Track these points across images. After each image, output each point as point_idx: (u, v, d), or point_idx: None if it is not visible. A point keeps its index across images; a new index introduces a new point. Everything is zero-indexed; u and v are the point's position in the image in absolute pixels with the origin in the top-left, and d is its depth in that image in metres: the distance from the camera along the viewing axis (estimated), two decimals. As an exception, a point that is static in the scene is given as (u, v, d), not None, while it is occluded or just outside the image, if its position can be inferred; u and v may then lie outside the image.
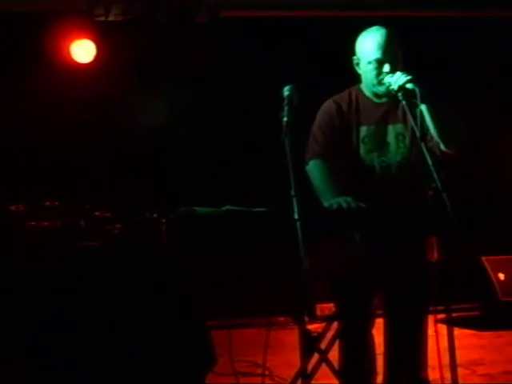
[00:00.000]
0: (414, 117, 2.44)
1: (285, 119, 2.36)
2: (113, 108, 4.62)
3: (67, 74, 4.57)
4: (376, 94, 2.74)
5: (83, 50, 4.54)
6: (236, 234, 2.37)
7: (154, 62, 4.71)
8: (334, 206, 2.47)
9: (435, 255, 2.79)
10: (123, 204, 3.01)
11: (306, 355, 2.56)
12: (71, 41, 4.53)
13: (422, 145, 2.32)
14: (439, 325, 4.83)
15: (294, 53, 4.78)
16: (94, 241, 2.68)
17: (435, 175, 2.22)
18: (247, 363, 3.74)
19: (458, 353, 4.06)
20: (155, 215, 2.77)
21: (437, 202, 2.29)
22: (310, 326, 2.59)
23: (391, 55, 2.63)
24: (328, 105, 2.81)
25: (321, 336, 2.67)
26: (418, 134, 2.38)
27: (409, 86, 2.47)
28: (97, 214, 2.73)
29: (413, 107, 2.49)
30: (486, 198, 4.91)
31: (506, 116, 5.22)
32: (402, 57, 2.69)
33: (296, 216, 2.11)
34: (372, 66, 2.66)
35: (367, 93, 2.77)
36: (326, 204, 2.57)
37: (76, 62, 4.58)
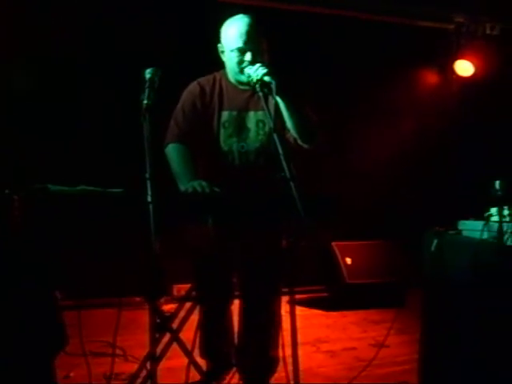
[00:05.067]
0: (269, 108, 2.53)
1: (145, 102, 2.35)
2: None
3: None
4: (239, 81, 2.77)
5: None
6: (90, 214, 2.35)
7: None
8: (189, 190, 2.50)
9: (285, 241, 2.94)
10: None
11: (156, 335, 2.63)
12: None
13: (274, 135, 2.39)
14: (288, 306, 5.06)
15: (161, 34, 4.76)
16: None
17: (284, 164, 2.31)
18: (102, 343, 3.74)
19: (305, 331, 4.35)
20: (7, 191, 2.67)
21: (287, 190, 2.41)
22: (165, 307, 2.66)
23: (253, 44, 2.66)
24: (192, 86, 2.81)
25: (173, 316, 2.74)
26: (271, 124, 2.47)
27: (266, 78, 2.52)
28: None
29: (269, 99, 2.58)
30: (334, 187, 5.25)
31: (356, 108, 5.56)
32: (266, 47, 2.73)
33: (149, 199, 2.13)
34: (234, 54, 2.69)
35: (231, 79, 2.80)
36: (182, 188, 2.60)
37: None
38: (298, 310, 4.88)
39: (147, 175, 2.17)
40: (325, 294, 5.21)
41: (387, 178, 5.60)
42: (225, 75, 2.82)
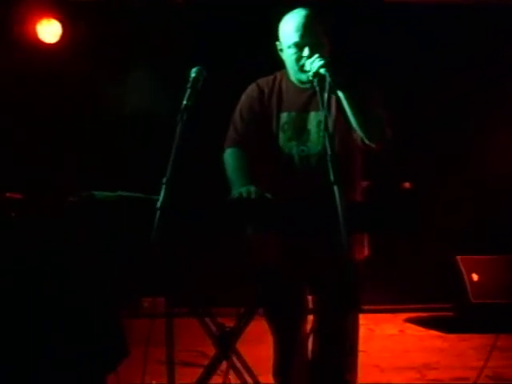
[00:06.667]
0: (329, 105, 2.31)
1: (184, 102, 2.24)
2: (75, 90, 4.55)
3: (33, 54, 4.51)
4: (300, 81, 2.58)
5: (49, 30, 4.47)
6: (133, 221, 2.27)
7: (124, 44, 4.61)
8: (235, 196, 2.34)
9: (364, 252, 2.66)
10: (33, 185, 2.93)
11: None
12: (38, 20, 4.46)
13: (325, 133, 2.15)
14: (406, 324, 4.63)
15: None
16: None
17: (330, 166, 2.07)
18: (195, 353, 3.69)
19: (414, 355, 3.95)
20: (71, 199, 2.67)
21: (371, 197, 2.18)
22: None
23: (311, 38, 2.45)
24: (250, 89, 2.67)
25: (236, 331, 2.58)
26: (322, 122, 2.23)
27: (321, 71, 2.31)
28: (8, 195, 2.65)
29: (330, 94, 2.35)
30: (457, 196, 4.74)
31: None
32: (327, 40, 2.52)
33: (158, 205, 2.00)
34: (292, 51, 2.50)
35: (292, 78, 2.61)
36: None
37: (43, 43, 4.52)
38: (413, 329, 4.53)
39: (164, 180, 2.03)
40: (446, 314, 4.71)
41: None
42: (286, 74, 2.64)
